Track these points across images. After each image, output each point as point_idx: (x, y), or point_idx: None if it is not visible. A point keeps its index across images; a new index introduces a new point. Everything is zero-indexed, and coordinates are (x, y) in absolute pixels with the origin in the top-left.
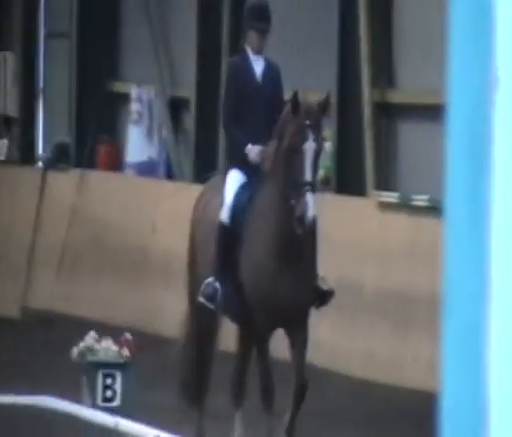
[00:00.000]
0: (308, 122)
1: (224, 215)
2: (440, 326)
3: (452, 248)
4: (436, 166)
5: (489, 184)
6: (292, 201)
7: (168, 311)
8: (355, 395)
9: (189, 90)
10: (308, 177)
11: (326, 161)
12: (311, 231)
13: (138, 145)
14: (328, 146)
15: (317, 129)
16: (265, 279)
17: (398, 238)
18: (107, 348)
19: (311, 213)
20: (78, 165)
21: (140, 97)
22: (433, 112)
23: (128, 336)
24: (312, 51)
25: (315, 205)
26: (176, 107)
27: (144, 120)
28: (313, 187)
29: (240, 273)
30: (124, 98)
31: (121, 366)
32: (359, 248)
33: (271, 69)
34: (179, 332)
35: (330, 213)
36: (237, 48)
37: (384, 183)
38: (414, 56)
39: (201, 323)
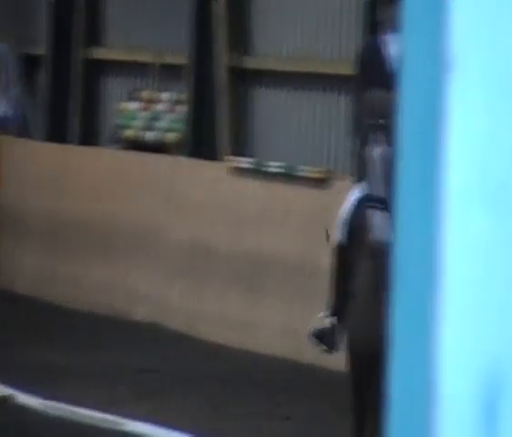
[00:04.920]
0: None
1: (338, 233)
2: (292, 290)
3: (402, 230)
4: (291, 133)
5: (443, 167)
6: None
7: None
8: (207, 358)
9: (43, 47)
10: None
11: (180, 124)
12: None
13: None
14: (182, 109)
15: None
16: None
17: (252, 203)
18: None
19: None
20: None
21: None
22: (289, 79)
23: None
24: (168, 12)
25: None
26: (31, 65)
27: None
28: None
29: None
30: None
31: None
32: (212, 212)
33: None
34: None
35: (184, 176)
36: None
37: (239, 149)
38: (271, 22)
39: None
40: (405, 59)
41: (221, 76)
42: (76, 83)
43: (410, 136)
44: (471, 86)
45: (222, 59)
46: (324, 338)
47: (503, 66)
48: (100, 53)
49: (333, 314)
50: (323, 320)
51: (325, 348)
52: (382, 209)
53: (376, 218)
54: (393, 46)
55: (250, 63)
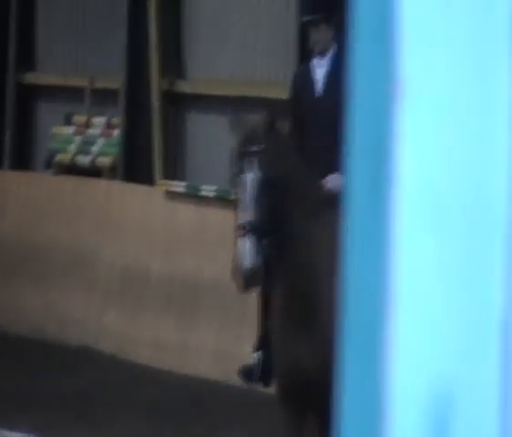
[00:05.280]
0: None
1: None
2: (226, 314)
3: (352, 254)
4: (225, 157)
5: (392, 191)
6: None
7: None
8: (142, 382)
9: None
10: None
11: (113, 148)
12: None
13: None
14: (116, 133)
15: None
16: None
17: (185, 227)
18: None
19: None
20: None
21: None
22: (222, 103)
23: None
24: (101, 36)
25: None
26: None
27: None
28: None
29: None
30: None
31: None
32: (146, 236)
33: (337, 71)
34: None
35: (117, 200)
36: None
37: (172, 172)
38: (205, 46)
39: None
40: (354, 86)
41: (154, 100)
42: (9, 108)
43: (359, 162)
44: (420, 112)
45: (155, 83)
46: (252, 374)
47: (450, 93)
48: (33, 78)
49: (260, 348)
50: (251, 355)
51: (254, 384)
52: (248, 233)
53: (242, 243)
54: (319, 71)
55: (184, 87)
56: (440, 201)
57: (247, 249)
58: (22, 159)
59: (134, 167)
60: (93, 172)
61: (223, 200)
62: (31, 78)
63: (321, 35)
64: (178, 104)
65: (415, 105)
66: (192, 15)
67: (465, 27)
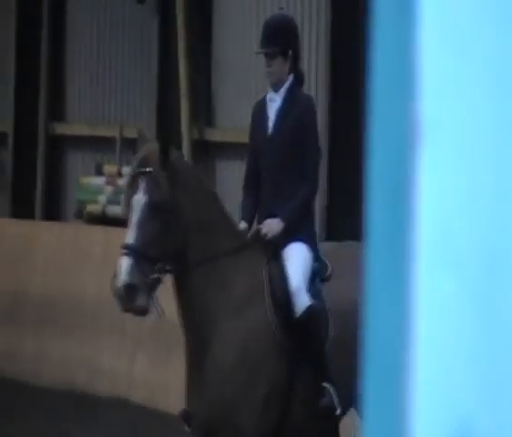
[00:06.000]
0: None
1: None
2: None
3: (372, 300)
4: None
5: (412, 234)
6: None
7: None
8: (172, 431)
9: (6, 124)
10: None
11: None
12: None
13: None
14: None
15: None
16: None
17: None
18: None
19: None
20: None
21: None
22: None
23: None
24: (131, 85)
25: None
26: None
27: None
28: None
29: None
30: None
31: None
32: None
33: (288, 108)
34: None
35: None
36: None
37: None
38: (232, 95)
39: None
40: (375, 126)
41: (184, 148)
42: (40, 158)
43: (379, 203)
44: (439, 153)
45: (185, 132)
46: (190, 419)
47: (471, 134)
48: (63, 128)
49: None
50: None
51: (188, 428)
52: (128, 255)
53: (121, 263)
54: (273, 106)
55: (213, 135)
56: (460, 242)
57: (124, 269)
58: (53, 209)
59: None
60: (124, 222)
61: None
62: (61, 129)
63: (276, 67)
64: (207, 152)
65: (435, 146)
66: (220, 63)
67: (486, 67)
